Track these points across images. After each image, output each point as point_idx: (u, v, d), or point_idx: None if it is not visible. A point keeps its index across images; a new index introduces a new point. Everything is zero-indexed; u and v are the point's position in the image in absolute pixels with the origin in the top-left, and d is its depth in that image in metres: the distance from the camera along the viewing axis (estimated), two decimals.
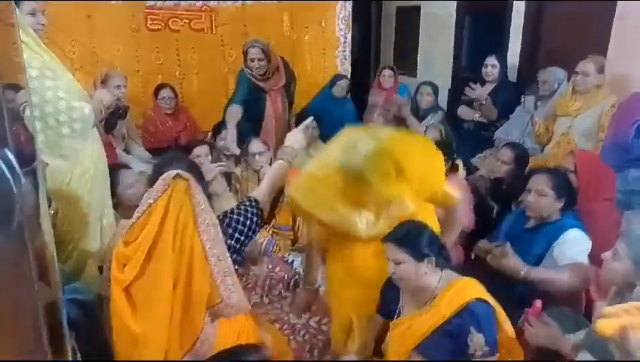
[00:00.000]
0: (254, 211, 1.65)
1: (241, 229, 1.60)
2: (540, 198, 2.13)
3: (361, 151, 1.65)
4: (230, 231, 1.58)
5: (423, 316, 1.62)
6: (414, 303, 1.69)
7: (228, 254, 1.52)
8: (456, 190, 1.95)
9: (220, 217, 1.61)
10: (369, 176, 1.61)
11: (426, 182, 1.72)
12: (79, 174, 2.10)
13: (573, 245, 2.07)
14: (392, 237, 1.64)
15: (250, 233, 1.64)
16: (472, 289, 1.59)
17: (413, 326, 1.64)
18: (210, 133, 3.71)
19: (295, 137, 1.95)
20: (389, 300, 1.79)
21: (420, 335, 1.60)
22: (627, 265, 1.63)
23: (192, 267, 1.43)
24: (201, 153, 3.04)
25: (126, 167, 2.52)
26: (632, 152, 2.55)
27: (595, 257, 2.18)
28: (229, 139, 3.18)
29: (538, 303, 1.70)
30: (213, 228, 1.48)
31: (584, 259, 2.02)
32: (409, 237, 1.61)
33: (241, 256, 1.72)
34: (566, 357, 1.65)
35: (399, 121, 3.88)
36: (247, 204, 1.67)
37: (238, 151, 3.18)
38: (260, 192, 1.76)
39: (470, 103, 3.74)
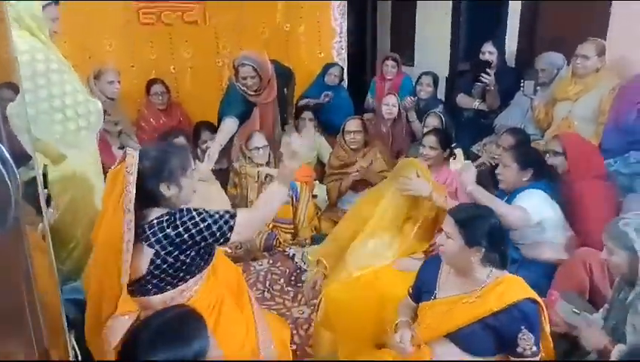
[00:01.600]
0: (222, 224, 1.55)
1: (199, 229, 1.52)
2: (505, 170, 2.36)
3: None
4: (189, 224, 1.52)
5: (466, 305, 1.57)
6: (456, 287, 1.64)
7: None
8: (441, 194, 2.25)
9: (190, 208, 1.57)
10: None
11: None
12: (87, 167, 2.16)
13: (525, 196, 2.25)
14: (454, 212, 1.64)
15: (205, 239, 1.54)
16: (522, 287, 1.56)
17: (453, 311, 1.59)
18: None
19: (293, 153, 1.78)
20: (423, 283, 1.75)
21: (459, 323, 1.56)
22: (624, 255, 1.61)
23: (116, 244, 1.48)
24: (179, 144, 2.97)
25: None
26: (634, 134, 2.53)
27: (591, 235, 2.19)
28: (213, 150, 2.97)
29: (555, 295, 1.71)
30: (127, 213, 1.47)
31: (528, 207, 2.18)
32: (468, 217, 1.59)
33: (203, 261, 1.62)
34: (604, 350, 1.62)
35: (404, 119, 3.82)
36: (223, 213, 1.58)
37: (211, 166, 2.98)
38: (248, 213, 1.67)
39: (468, 91, 3.70)
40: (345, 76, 4.50)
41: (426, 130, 3.27)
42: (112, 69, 3.24)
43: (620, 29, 2.97)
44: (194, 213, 1.55)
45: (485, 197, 2.14)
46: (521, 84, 3.36)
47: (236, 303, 1.74)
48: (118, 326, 1.51)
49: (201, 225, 1.53)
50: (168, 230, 1.51)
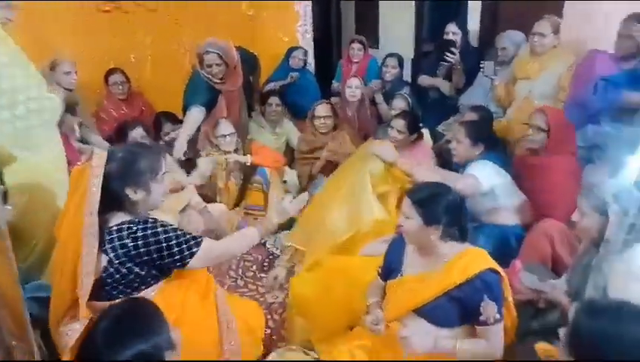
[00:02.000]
0: (185, 248, 1.49)
1: (160, 248, 1.47)
2: (458, 145, 2.49)
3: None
4: (151, 239, 1.46)
5: (430, 280, 1.61)
6: (420, 264, 1.68)
7: (94, 253, 1.42)
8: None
9: (156, 222, 1.50)
10: None
11: None
12: (47, 165, 2.04)
13: (475, 166, 2.39)
14: (411, 192, 1.66)
15: (163, 259, 1.48)
16: (484, 259, 1.59)
17: (418, 287, 1.63)
18: None
19: (284, 210, 1.77)
20: (391, 262, 1.79)
21: (424, 298, 1.60)
22: (597, 219, 1.68)
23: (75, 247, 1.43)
24: (137, 136, 2.88)
25: None
26: (590, 108, 2.61)
27: (557, 208, 2.27)
28: (181, 141, 2.92)
29: (517, 265, 1.77)
30: (89, 217, 1.41)
31: (478, 175, 2.33)
32: (425, 197, 1.61)
33: (160, 274, 1.55)
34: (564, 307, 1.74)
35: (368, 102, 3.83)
36: (189, 237, 1.51)
37: (182, 157, 2.93)
38: (213, 244, 1.59)
39: (433, 72, 3.74)
40: (312, 60, 4.48)
41: (393, 112, 3.29)
42: (67, 60, 3.11)
43: (574, 7, 3.05)
44: (159, 229, 1.48)
45: (436, 174, 2.28)
46: (481, 65, 3.42)
47: (201, 303, 1.70)
48: (70, 332, 1.45)
49: (163, 244, 1.47)
50: (127, 240, 1.45)
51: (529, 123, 2.56)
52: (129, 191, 1.49)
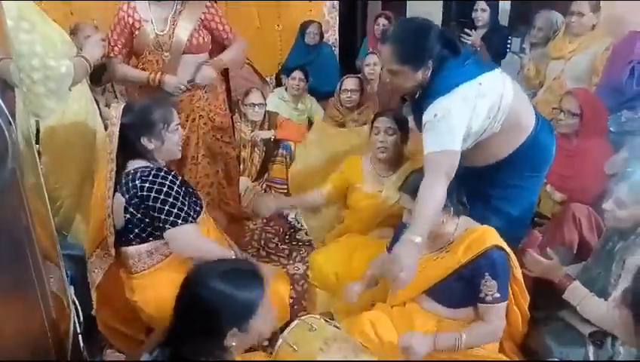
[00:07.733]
0: (172, 218, 1.57)
1: (155, 197, 1.55)
2: None
3: None
4: (156, 187, 1.56)
5: (437, 260, 1.61)
6: (428, 246, 1.66)
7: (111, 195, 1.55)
8: None
9: (174, 177, 1.60)
10: None
11: None
12: (61, 130, 2.00)
13: None
14: (406, 188, 1.63)
15: (154, 211, 1.55)
16: (490, 237, 1.58)
17: (426, 269, 1.63)
18: None
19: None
20: None
21: (433, 278, 1.60)
22: (633, 211, 1.61)
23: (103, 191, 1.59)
24: None
25: None
26: (625, 93, 2.53)
27: (586, 192, 2.22)
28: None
29: (537, 234, 1.74)
30: (110, 162, 1.55)
31: None
32: (416, 188, 1.55)
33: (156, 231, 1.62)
34: (558, 284, 1.68)
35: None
36: (185, 213, 1.58)
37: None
38: (195, 234, 1.62)
39: None
40: (336, 36, 4.40)
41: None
42: (90, 24, 3.09)
43: None
44: (167, 183, 1.55)
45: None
46: (508, 43, 3.33)
47: None
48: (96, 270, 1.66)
49: (161, 197, 1.53)
50: (137, 181, 1.54)
51: (560, 107, 2.43)
52: (144, 141, 1.60)
